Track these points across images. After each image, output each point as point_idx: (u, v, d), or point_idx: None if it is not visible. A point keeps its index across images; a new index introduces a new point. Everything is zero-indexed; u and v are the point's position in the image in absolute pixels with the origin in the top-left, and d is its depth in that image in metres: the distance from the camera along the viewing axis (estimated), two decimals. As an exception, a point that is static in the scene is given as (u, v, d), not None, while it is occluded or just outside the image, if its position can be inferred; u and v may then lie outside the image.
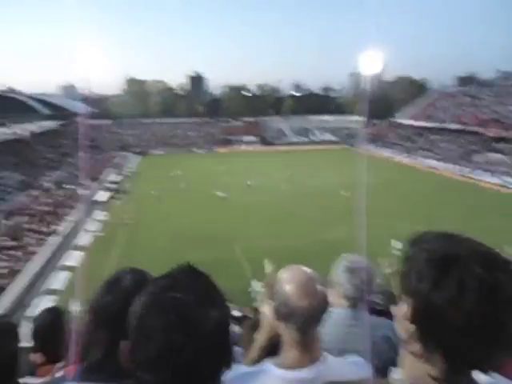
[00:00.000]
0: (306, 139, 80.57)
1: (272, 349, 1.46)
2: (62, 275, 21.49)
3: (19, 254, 22.75)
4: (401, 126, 73.52)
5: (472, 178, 44.56)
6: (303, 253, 19.76)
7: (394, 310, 0.97)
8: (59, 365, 2.02)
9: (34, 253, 23.41)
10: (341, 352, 1.38)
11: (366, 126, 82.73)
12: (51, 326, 2.17)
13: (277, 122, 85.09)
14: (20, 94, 70.82)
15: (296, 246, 22.78)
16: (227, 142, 76.21)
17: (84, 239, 26.80)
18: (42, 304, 17.51)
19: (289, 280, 1.26)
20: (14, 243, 23.90)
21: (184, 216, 30.00)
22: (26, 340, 2.10)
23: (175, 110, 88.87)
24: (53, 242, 25.65)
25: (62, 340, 2.09)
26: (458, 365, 0.83)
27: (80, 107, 74.12)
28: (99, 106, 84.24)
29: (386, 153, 64.96)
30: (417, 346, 0.87)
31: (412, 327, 0.86)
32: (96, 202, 35.40)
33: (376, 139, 74.10)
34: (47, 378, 1.82)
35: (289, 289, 1.23)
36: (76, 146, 54.98)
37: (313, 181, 42.33)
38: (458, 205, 32.20)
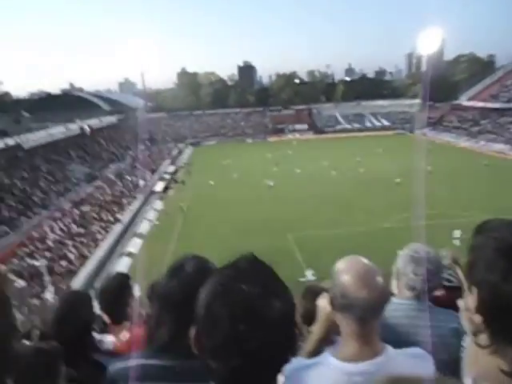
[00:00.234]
0: (359, 126, 77.97)
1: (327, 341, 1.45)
2: (124, 261, 22.95)
3: (86, 240, 24.61)
4: (464, 108, 68.51)
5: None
6: (359, 242, 19.27)
7: (460, 302, 0.92)
8: (126, 324, 2.20)
9: (99, 240, 25.21)
10: (403, 344, 1.34)
11: (423, 110, 78.21)
12: (116, 290, 2.29)
13: (328, 109, 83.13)
14: (83, 91, 75.81)
15: (351, 235, 22.29)
16: (278, 131, 75.98)
17: (144, 227, 28.35)
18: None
19: (346, 270, 1.24)
20: (81, 230, 25.89)
21: (237, 204, 30.55)
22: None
23: (226, 101, 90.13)
24: (116, 229, 27.41)
25: (126, 304, 2.26)
26: None
27: (136, 102, 77.81)
28: (154, 99, 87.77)
29: (446, 137, 61.03)
30: (484, 338, 0.83)
31: (479, 318, 0.83)
32: (154, 192, 37.17)
33: (436, 123, 69.81)
34: (115, 338, 2.10)
35: (346, 279, 1.21)
36: (135, 139, 57.92)
37: (366, 168, 40.96)
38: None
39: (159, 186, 38.75)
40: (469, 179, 34.72)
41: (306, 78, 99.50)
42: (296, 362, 1.23)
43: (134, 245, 25.11)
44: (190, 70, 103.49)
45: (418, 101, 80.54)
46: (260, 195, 33.17)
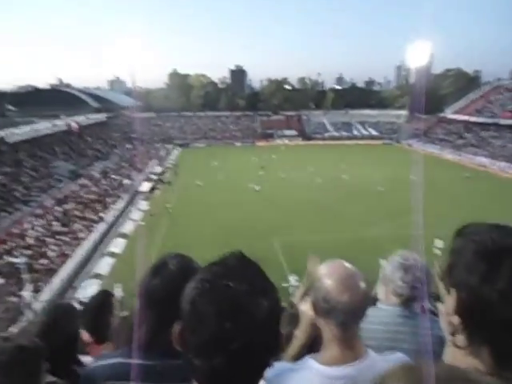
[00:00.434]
0: (347, 134, 78.85)
1: (311, 345, 1.45)
2: (106, 261, 22.60)
3: (68, 239, 24.16)
4: (449, 120, 70.00)
5: (527, 178, 41.70)
6: (342, 249, 19.43)
7: (439, 305, 0.94)
8: (107, 345, 2.15)
9: (82, 238, 24.77)
10: (387, 350, 1.35)
11: (410, 121, 79.53)
12: (99, 308, 2.28)
13: (318, 116, 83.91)
14: (72, 87, 74.70)
15: (334, 241, 22.46)
16: (267, 136, 76.23)
17: (127, 227, 27.98)
18: (89, 287, 18.55)
19: (329, 274, 1.24)
20: (64, 229, 25.42)
21: (223, 207, 30.47)
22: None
23: (216, 104, 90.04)
24: (99, 229, 26.99)
25: (109, 321, 2.22)
26: (506, 359, 0.80)
27: (126, 101, 77.05)
28: (143, 99, 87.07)
29: (431, 149, 62.22)
30: (461, 339, 0.84)
31: (457, 319, 0.84)
32: (140, 192, 36.77)
33: (422, 134, 71.09)
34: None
35: (329, 283, 1.21)
36: (122, 137, 57.27)
37: (351, 176, 41.42)
38: (510, 205, 30.29)
39: (145, 187, 38.37)
40: (449, 190, 35.43)
41: (296, 85, 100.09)
42: (278, 365, 1.22)
43: (117, 245, 24.75)
44: (181, 70, 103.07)
45: (405, 112, 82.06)
46: (246, 199, 33.18)
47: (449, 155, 57.21)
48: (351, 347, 1.23)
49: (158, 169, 48.50)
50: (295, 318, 1.67)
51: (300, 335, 1.51)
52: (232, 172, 44.45)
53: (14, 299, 16.73)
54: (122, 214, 31.07)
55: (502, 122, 57.65)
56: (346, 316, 1.18)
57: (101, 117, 58.32)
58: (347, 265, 1.27)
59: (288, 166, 47.12)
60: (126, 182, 39.08)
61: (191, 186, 37.99)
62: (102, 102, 64.68)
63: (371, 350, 1.26)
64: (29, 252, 20.83)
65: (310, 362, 1.25)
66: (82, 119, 49.98)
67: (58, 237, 24.03)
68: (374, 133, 79.01)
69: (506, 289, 0.76)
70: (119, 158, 48.01)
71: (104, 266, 21.98)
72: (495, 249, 0.81)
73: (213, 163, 49.94)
